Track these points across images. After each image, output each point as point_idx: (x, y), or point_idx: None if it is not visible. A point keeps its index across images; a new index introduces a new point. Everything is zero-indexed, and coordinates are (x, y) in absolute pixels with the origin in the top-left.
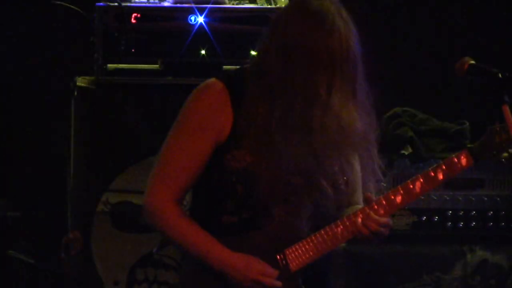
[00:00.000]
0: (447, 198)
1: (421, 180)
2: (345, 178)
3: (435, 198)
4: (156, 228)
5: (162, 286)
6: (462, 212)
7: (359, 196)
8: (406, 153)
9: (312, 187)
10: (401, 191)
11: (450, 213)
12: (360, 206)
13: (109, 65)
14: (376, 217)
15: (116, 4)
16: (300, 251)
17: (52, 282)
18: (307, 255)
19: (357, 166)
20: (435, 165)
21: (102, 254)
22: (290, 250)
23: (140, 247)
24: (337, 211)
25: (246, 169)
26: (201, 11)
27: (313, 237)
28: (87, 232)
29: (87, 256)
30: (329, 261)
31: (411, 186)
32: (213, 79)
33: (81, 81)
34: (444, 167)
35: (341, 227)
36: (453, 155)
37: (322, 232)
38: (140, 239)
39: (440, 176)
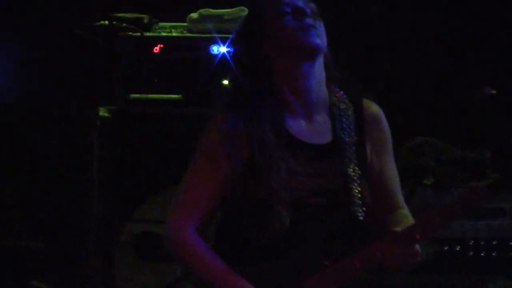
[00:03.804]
0: (469, 227)
1: (440, 212)
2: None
3: (457, 227)
4: (175, 257)
5: None
6: (484, 241)
7: (400, 198)
8: (428, 182)
9: (336, 207)
10: (420, 226)
11: (472, 243)
12: (404, 210)
13: (131, 95)
14: (396, 249)
15: (138, 34)
16: (318, 282)
17: None
18: (325, 286)
19: (394, 169)
20: (454, 199)
21: (125, 283)
22: (307, 282)
23: (163, 277)
24: (378, 220)
25: (264, 194)
26: (223, 41)
27: (332, 267)
28: (109, 262)
29: (110, 286)
30: None
31: (430, 221)
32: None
33: (103, 111)
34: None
35: (360, 259)
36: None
37: (341, 263)
38: (163, 268)
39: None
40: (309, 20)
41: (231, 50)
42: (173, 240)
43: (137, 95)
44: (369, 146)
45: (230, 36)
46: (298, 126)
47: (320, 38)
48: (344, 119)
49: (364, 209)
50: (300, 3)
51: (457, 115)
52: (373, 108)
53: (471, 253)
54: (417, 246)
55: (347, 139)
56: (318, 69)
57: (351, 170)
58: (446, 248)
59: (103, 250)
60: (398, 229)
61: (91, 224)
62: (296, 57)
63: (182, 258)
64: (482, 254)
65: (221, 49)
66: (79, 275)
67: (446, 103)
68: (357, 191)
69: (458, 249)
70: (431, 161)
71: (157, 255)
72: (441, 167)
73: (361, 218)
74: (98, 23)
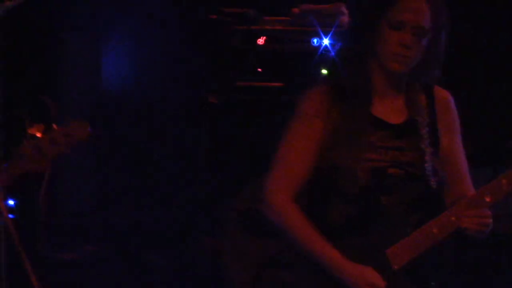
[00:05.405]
0: None
1: (507, 176)
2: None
3: None
4: (275, 226)
5: (288, 286)
6: None
7: (468, 179)
8: None
9: (414, 178)
10: (489, 190)
11: None
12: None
13: (237, 83)
14: (469, 212)
15: (244, 27)
16: (400, 250)
17: None
18: (408, 253)
19: (462, 148)
20: None
21: (233, 255)
22: (390, 250)
23: (268, 250)
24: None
25: (346, 162)
26: (325, 33)
27: (412, 236)
28: (219, 236)
29: (219, 258)
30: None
31: (498, 184)
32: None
33: (212, 98)
34: None
35: (437, 226)
36: None
37: (420, 230)
38: (268, 242)
39: None
40: (408, 52)
41: (332, 42)
42: (271, 209)
43: (242, 84)
44: (441, 127)
45: (329, 29)
46: (381, 107)
47: (409, 64)
48: (417, 103)
49: (437, 178)
50: (407, 28)
51: None
52: (443, 92)
53: None
54: (485, 211)
55: (420, 120)
56: None
57: (424, 146)
58: None
59: (213, 225)
60: (471, 193)
61: (202, 202)
62: (385, 67)
63: (279, 227)
64: None
65: (323, 41)
66: (191, 248)
67: None
68: (430, 164)
69: None
70: None
71: (262, 230)
72: None
73: (435, 186)
74: (208, 18)
